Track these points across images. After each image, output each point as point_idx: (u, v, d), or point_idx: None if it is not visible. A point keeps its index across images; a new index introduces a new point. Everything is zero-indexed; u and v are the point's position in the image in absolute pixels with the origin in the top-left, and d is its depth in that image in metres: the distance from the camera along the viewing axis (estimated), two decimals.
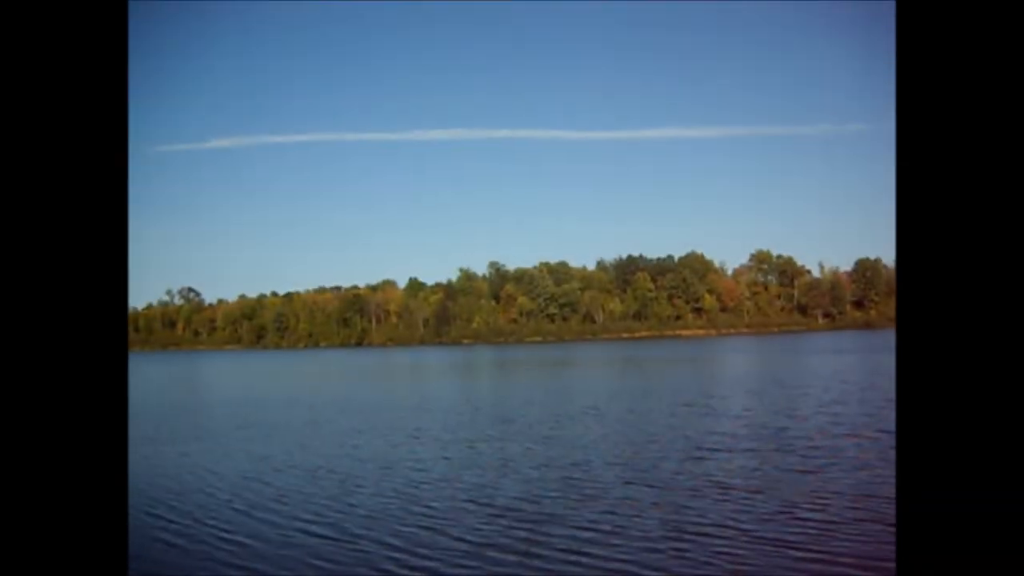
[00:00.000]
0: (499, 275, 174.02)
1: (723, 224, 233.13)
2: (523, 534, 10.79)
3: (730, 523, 10.87)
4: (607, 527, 10.98)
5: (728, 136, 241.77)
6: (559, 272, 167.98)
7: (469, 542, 10.55)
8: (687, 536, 10.37)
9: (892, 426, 19.04)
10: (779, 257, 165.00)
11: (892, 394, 25.04)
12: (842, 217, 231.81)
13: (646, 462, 15.72)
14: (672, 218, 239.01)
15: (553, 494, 13.17)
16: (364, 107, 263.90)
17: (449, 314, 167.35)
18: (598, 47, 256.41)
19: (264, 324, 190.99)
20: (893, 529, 10.19)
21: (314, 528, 11.65)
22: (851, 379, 34.34)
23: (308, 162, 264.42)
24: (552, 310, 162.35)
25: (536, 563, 9.59)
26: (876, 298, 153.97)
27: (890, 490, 12.27)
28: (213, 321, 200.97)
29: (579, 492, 13.22)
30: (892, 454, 15.25)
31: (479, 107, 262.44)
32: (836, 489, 12.57)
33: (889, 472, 13.69)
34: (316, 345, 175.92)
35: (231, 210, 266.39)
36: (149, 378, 62.29)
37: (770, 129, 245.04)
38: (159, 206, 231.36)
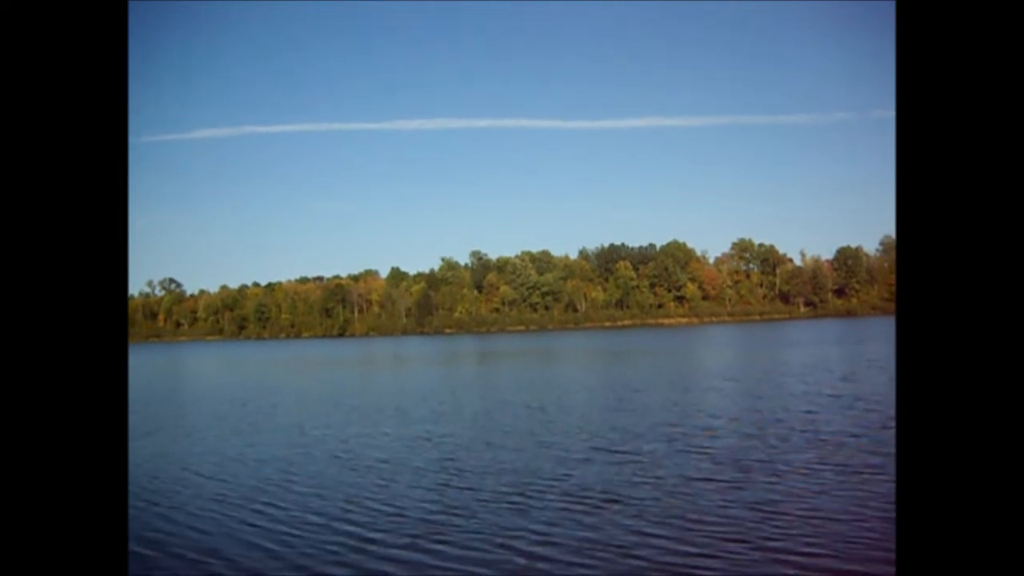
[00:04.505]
0: (481, 264, 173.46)
1: (705, 213, 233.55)
2: (342, 540, 10.24)
3: (570, 539, 10.19)
4: (432, 541, 10.30)
5: (710, 125, 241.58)
6: (541, 261, 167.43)
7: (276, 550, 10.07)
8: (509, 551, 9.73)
9: (808, 426, 18.54)
10: (761, 245, 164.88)
11: (834, 390, 24.98)
12: (824, 205, 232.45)
13: (526, 464, 15.10)
14: (654, 207, 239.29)
15: (404, 499, 12.55)
16: (346, 97, 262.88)
17: (431, 303, 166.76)
18: (580, 36, 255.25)
19: (246, 315, 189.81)
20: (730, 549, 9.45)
21: (147, 534, 11.07)
22: (799, 372, 33.94)
23: (290, 152, 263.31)
24: (535, 299, 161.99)
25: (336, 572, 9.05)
26: (857, 286, 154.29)
27: (757, 500, 11.71)
28: (194, 312, 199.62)
29: (440, 497, 12.61)
30: (791, 460, 14.64)
31: (461, 97, 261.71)
32: (691, 499, 11.84)
33: (771, 483, 13.03)
34: (298, 335, 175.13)
35: (213, 200, 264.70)
36: None
37: (752, 118, 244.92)
38: (140, 196, 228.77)
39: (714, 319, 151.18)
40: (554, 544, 9.92)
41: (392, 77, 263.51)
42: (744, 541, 9.69)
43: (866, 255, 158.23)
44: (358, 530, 10.98)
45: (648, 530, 10.34)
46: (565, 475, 13.97)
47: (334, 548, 10.21)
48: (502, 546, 9.96)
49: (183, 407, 30.06)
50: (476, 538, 10.33)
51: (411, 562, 9.50)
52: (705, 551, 9.39)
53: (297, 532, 11.05)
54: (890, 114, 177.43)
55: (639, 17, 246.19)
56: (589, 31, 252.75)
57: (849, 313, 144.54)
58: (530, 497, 12.43)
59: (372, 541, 10.42)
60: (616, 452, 16.00)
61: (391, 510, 12.05)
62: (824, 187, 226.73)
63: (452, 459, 15.99)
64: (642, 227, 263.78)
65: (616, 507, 11.59)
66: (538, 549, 9.74)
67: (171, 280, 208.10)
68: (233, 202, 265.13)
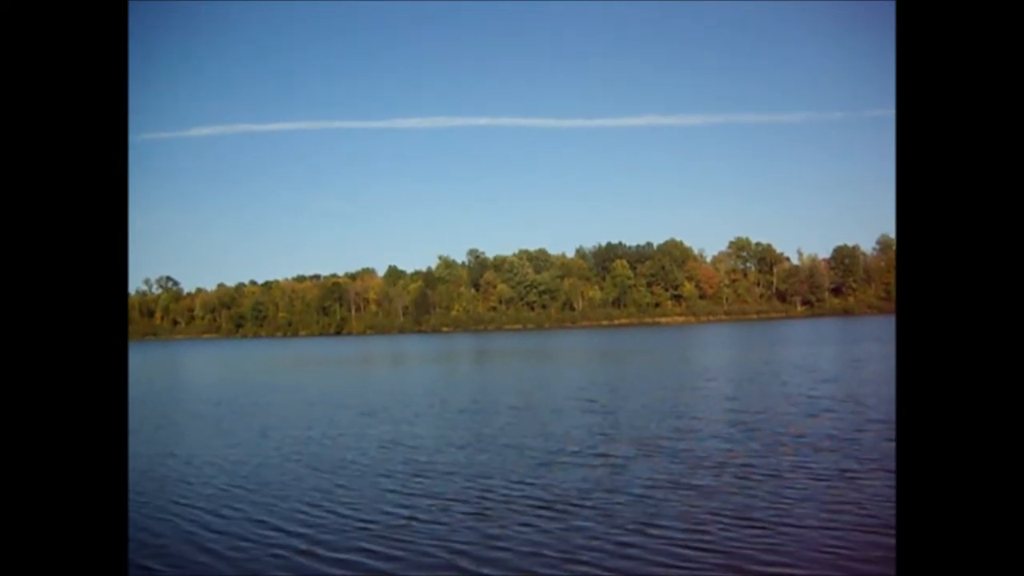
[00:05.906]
0: (478, 263, 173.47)
1: (702, 211, 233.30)
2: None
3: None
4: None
5: (707, 124, 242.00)
6: (538, 260, 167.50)
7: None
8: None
9: (787, 429, 18.42)
10: (758, 244, 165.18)
11: (817, 391, 24.89)
12: (821, 204, 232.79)
13: (496, 466, 14.89)
14: (651, 205, 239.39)
15: (365, 504, 12.36)
16: (345, 96, 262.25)
17: (429, 302, 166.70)
18: (578, 34, 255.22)
19: (243, 313, 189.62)
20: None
21: None
22: (787, 373, 33.93)
23: (288, 151, 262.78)
24: (532, 298, 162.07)
25: None
26: (854, 285, 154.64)
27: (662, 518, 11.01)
28: (191, 310, 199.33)
29: (402, 501, 12.47)
30: (766, 465, 14.11)
31: (460, 95, 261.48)
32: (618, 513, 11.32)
33: (742, 488, 12.55)
34: (295, 334, 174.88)
35: (211, 198, 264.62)
36: None
37: (750, 117, 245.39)
38: (138, 194, 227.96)
39: (711, 318, 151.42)
40: (508, 550, 9.70)
41: (390, 76, 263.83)
42: (709, 550, 9.38)
43: (863, 254, 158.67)
44: (310, 534, 10.86)
45: (610, 537, 10.06)
46: (531, 479, 13.64)
47: (283, 554, 10.04)
48: (454, 552, 9.75)
49: (168, 406, 29.82)
50: (430, 544, 10.13)
51: (361, 567, 9.37)
52: (666, 560, 9.11)
53: (251, 537, 10.79)
54: (887, 113, 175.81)
55: (638, 17, 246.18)
56: (588, 31, 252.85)
57: (846, 312, 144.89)
58: (491, 501, 12.20)
59: (322, 545, 10.27)
60: (588, 455, 15.70)
61: (350, 515, 11.81)
62: (821, 186, 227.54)
63: (420, 461, 15.82)
64: (639, 226, 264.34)
65: (579, 512, 11.28)
66: (491, 554, 9.55)
67: (168, 278, 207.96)
68: (230, 200, 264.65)
